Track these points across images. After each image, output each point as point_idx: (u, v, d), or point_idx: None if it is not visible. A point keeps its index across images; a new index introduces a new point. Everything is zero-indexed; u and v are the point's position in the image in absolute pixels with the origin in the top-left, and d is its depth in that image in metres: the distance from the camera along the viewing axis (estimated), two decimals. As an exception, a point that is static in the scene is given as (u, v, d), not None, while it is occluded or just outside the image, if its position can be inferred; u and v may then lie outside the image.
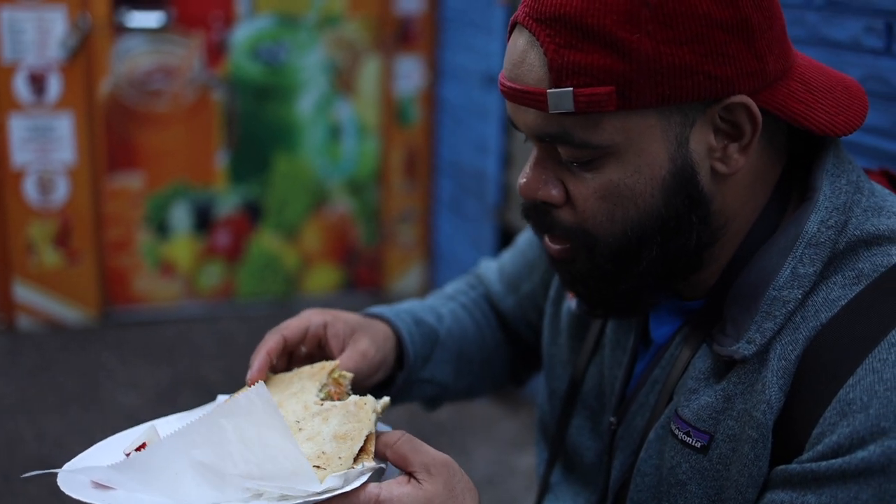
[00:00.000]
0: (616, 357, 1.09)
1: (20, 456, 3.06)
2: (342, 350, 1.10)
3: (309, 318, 1.11)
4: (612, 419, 1.07)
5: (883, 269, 0.88)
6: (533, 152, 0.96)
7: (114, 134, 3.95)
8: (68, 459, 0.95)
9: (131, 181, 4.02)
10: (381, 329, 1.17)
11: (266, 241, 4.24)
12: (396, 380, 1.19)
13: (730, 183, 0.93)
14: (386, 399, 0.99)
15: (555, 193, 0.95)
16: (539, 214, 0.98)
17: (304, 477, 0.86)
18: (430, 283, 4.38)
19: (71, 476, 0.89)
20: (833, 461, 0.81)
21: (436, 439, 3.23)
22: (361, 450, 0.91)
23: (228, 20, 3.95)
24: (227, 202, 4.15)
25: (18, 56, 3.72)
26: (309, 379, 1.04)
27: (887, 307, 0.85)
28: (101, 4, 3.79)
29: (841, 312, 0.87)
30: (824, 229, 0.89)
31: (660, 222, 0.92)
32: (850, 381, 0.82)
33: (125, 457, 0.92)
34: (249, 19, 3.97)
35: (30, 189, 3.86)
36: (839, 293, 0.88)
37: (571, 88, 0.86)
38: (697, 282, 0.99)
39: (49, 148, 3.84)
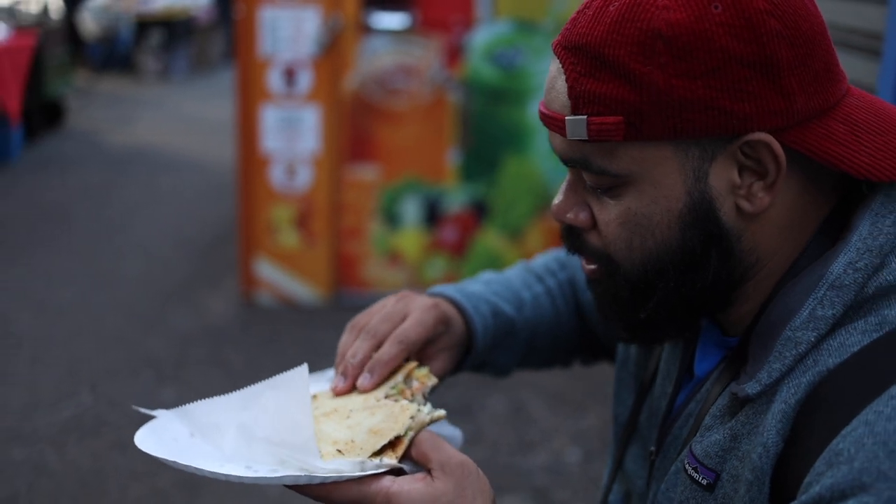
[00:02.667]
0: (663, 388, 1.09)
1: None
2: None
3: (433, 328, 1.13)
4: (651, 449, 1.07)
5: None
6: (567, 176, 0.99)
7: (355, 127, 4.19)
8: None
9: (367, 173, 4.25)
10: (457, 332, 1.19)
11: (490, 239, 4.35)
12: (462, 366, 1.22)
13: (761, 221, 0.90)
14: (441, 412, 1.03)
15: (582, 217, 0.96)
16: (571, 236, 1.00)
17: (309, 453, 0.93)
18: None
19: (153, 428, 1.01)
20: None
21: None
22: (390, 447, 0.97)
23: (468, 24, 4.08)
24: (456, 199, 4.29)
25: (275, 51, 4.03)
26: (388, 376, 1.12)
27: None
28: (351, 5, 4.03)
29: (850, 359, 0.83)
30: (851, 271, 0.85)
31: (677, 255, 0.91)
32: (844, 431, 0.78)
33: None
34: (489, 24, 4.08)
35: (276, 174, 4.18)
36: (856, 339, 0.83)
37: (586, 116, 0.88)
38: (737, 318, 0.97)
39: (296, 137, 4.14)
